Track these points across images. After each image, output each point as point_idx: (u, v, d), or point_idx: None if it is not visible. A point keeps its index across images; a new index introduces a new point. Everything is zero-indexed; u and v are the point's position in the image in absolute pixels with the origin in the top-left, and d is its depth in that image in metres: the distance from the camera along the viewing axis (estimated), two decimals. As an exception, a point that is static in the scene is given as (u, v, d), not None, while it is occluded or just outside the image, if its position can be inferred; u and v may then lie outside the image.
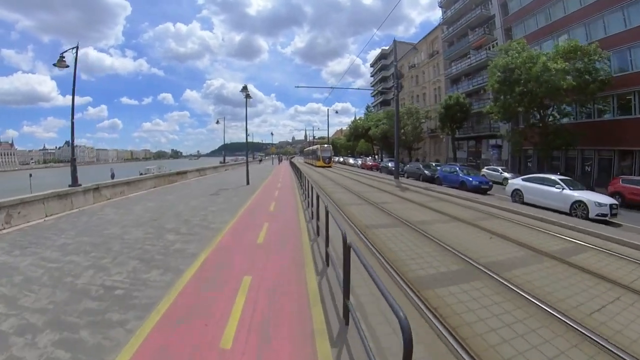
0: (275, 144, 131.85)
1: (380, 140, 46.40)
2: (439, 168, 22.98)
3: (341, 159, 60.93)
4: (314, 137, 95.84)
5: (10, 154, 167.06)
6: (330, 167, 42.89)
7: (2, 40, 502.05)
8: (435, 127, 40.88)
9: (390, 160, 38.79)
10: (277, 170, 34.00)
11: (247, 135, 21.50)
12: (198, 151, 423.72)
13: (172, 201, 12.11)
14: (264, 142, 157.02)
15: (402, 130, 40.00)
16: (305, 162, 61.10)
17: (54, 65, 9.60)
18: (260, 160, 59.08)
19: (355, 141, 62.02)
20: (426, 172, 23.08)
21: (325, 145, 48.12)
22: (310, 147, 59.03)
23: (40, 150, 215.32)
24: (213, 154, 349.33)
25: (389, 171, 28.76)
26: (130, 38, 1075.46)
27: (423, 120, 38.56)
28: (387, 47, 67.96)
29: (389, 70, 65.77)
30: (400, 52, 61.37)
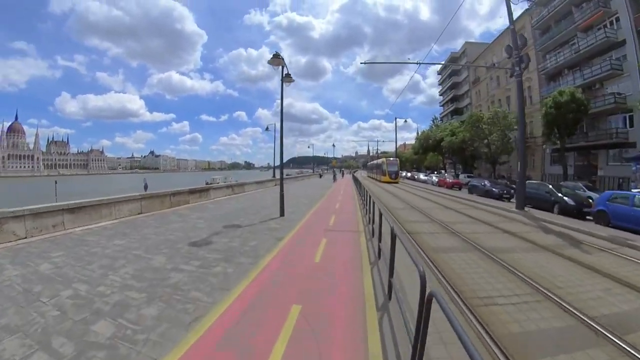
0: (338, 158, 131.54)
1: (456, 152, 40.54)
2: (590, 193, 16.19)
3: (409, 174, 55.63)
4: (376, 151, 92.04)
5: (101, 160, 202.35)
6: (397, 182, 38.78)
7: (96, 65, 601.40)
8: (529, 135, 33.36)
9: (471, 177, 33.28)
10: (336, 188, 28.66)
11: (281, 136, 13.83)
12: (268, 163, 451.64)
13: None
14: (327, 155, 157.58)
15: (486, 141, 33.88)
16: (369, 177, 57.71)
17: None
18: (321, 175, 56.59)
19: (424, 154, 56.29)
20: (566, 199, 13.94)
21: (392, 159, 43.75)
22: (375, 161, 55.04)
23: (128, 158, 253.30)
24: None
25: (484, 192, 21.48)
26: (207, 62, 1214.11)
27: (515, 127, 31.61)
28: (457, 51, 61.45)
29: (460, 76, 59.43)
30: (473, 53, 54.41)
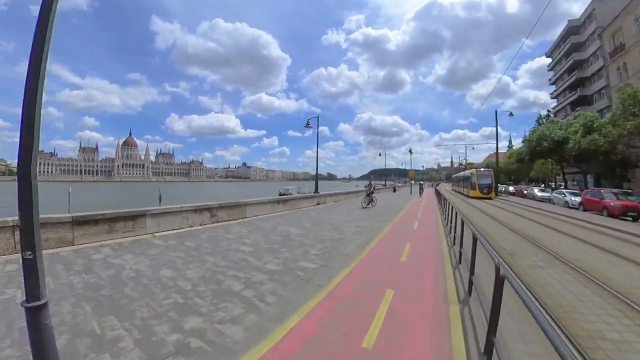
0: (419, 170, 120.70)
1: (591, 156, 27.40)
2: None
3: (511, 189, 42.77)
4: (461, 163, 79.51)
5: (200, 169, 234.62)
6: (490, 198, 29.91)
7: (198, 90, 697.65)
8: None
9: (629, 194, 20.36)
10: (412, 209, 18.34)
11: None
12: (350, 175, 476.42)
13: None
14: (406, 167, 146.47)
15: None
16: (454, 191, 48.46)
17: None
18: (395, 189, 46.30)
19: (530, 161, 43.08)
20: None
21: (483, 169, 34.20)
22: (462, 173, 45.40)
23: (224, 168, 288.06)
24: (362, 178, 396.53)
25: None
26: (292, 83, 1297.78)
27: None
28: (577, 17, 44.66)
29: (585, 50, 42.92)
30: (607, 14, 36.71)
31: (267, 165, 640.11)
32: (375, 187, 21.73)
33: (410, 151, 45.50)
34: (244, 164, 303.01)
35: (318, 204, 19.63)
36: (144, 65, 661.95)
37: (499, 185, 47.60)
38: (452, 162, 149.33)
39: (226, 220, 11.16)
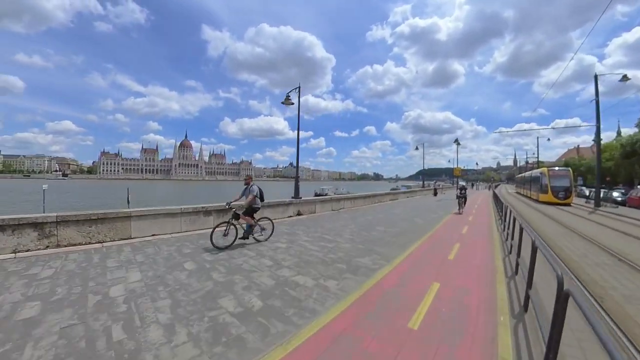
0: (475, 170, 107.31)
1: None
2: None
3: (615, 194, 28.45)
4: (527, 161, 65.77)
5: (249, 169, 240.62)
6: (567, 204, 23.44)
7: (248, 94, 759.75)
8: None
9: None
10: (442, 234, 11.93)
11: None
12: (397, 175, 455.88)
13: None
14: (463, 167, 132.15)
15: None
16: (517, 194, 39.40)
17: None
18: (436, 193, 34.05)
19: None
20: None
21: (558, 169, 25.26)
22: (529, 173, 35.60)
23: (272, 168, 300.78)
24: (410, 178, 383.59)
25: None
26: (337, 84, 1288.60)
27: None
28: None
29: None
30: None
31: (315, 165, 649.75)
32: (411, 188, 16.02)
33: (456, 142, 33.81)
34: (291, 164, 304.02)
35: (299, 214, 13.41)
36: (199, 73, 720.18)
37: (584, 188, 36.67)
38: (515, 161, 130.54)
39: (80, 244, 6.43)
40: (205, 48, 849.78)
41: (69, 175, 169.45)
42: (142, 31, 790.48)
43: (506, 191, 50.63)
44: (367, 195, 20.51)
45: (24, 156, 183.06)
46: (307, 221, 11.58)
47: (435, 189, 35.31)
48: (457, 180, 35.74)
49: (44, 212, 7.52)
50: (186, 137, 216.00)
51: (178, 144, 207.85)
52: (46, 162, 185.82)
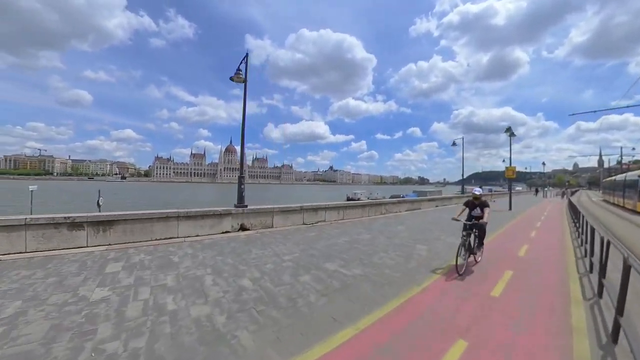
0: (539, 173, 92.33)
1: None
2: None
3: None
4: (620, 161, 51.98)
5: (289, 173, 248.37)
6: None
7: (290, 100, 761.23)
8: None
9: None
10: None
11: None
12: (444, 179, 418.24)
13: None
14: (527, 170, 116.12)
15: None
16: (605, 202, 31.06)
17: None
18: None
19: None
20: None
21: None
22: (622, 175, 26.27)
23: (312, 172, 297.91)
24: (460, 182, 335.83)
25: None
26: (379, 85, 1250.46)
27: None
28: None
29: None
30: None
31: (356, 169, 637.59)
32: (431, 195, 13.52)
33: (508, 131, 20.02)
34: (331, 167, 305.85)
35: (244, 228, 8.92)
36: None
37: None
38: (601, 161, 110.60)
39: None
40: (249, 57, 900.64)
41: (126, 178, 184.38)
42: (191, 45, 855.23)
43: (588, 199, 39.50)
44: (371, 204, 14.23)
45: (89, 161, 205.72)
46: (245, 242, 7.23)
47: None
48: (510, 184, 22.71)
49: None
50: (231, 142, 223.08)
51: (223, 149, 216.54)
52: (108, 166, 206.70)
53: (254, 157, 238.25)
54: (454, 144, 27.15)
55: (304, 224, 10.34)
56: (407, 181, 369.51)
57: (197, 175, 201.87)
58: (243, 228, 8.78)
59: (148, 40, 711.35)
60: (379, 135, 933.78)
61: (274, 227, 9.49)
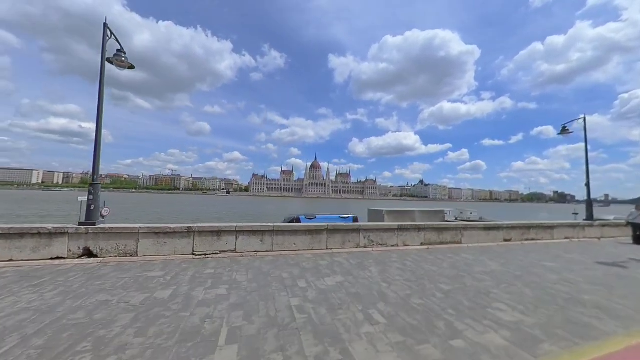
0: None
1: None
2: None
3: None
4: None
5: (373, 188, 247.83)
6: None
7: (375, 113, 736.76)
8: None
9: None
10: None
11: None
12: (607, 195, 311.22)
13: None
14: None
15: None
16: None
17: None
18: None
19: None
20: None
21: None
22: None
23: (398, 186, 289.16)
24: (635, 201, 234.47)
25: None
26: (484, 80, 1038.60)
27: None
28: None
29: None
30: None
31: (455, 182, 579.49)
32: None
33: None
34: (421, 181, 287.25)
35: (90, 254, 6.38)
36: (329, 100, 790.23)
37: None
38: None
39: None
40: (332, 76, 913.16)
41: (230, 192, 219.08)
42: (283, 73, 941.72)
43: None
44: (348, 229, 8.26)
45: (205, 178, 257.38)
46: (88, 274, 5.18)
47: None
48: None
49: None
50: (316, 158, 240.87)
51: (309, 165, 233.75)
52: (217, 182, 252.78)
53: (338, 172, 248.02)
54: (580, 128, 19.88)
55: (193, 253, 6.92)
56: (535, 197, 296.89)
57: (286, 190, 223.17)
58: (89, 253, 6.53)
59: (249, 75, 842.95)
60: (487, 141, 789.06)
61: (139, 254, 6.67)
